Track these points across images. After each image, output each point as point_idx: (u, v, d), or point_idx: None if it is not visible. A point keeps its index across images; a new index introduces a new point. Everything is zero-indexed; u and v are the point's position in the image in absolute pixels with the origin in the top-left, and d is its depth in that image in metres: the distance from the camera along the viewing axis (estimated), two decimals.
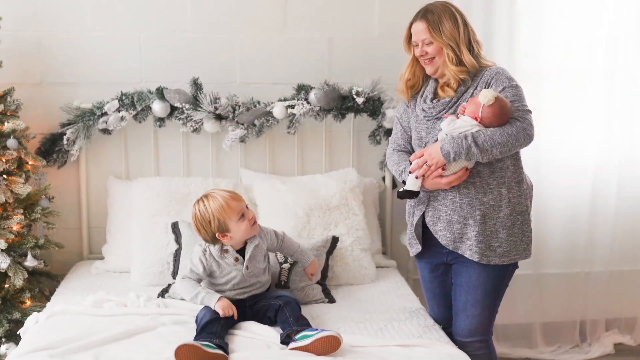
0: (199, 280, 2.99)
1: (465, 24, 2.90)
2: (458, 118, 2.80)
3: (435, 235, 2.96)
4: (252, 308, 3.00)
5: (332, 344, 2.63)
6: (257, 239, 3.04)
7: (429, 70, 2.93)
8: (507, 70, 2.89)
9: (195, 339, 2.70)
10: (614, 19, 4.01)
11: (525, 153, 2.95)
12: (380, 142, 3.92)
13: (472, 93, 2.86)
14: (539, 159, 4.00)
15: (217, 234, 2.94)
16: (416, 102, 3.04)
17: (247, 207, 3.01)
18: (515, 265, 2.99)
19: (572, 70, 4.06)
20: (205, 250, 3.00)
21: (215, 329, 2.75)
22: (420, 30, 2.89)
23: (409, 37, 2.97)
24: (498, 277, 2.94)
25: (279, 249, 3.18)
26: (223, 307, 2.83)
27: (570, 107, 4.09)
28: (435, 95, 2.98)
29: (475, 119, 2.74)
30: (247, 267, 2.98)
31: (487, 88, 2.82)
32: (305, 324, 2.80)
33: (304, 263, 3.20)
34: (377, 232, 3.91)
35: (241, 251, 3.01)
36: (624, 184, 4.20)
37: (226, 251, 2.99)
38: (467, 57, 2.86)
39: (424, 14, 2.89)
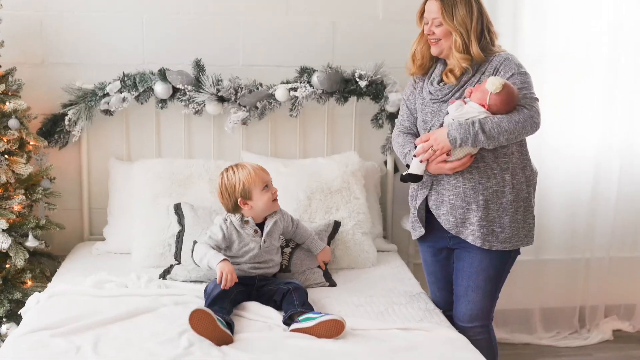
0: (217, 248, 3.02)
1: (481, 13, 2.86)
2: (465, 103, 2.79)
3: (438, 219, 2.96)
4: (259, 290, 3.01)
5: (335, 327, 2.64)
6: (278, 215, 3.12)
7: (433, 50, 2.92)
8: (515, 57, 2.88)
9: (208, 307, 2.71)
10: (616, 7, 4.00)
11: (528, 139, 2.94)
12: (382, 126, 3.91)
13: (480, 78, 2.85)
14: (541, 146, 3.99)
15: (239, 200, 3.03)
16: (423, 84, 3.03)
17: (271, 182, 3.10)
18: (517, 252, 2.99)
19: (575, 58, 4.06)
20: (226, 220, 3.07)
21: (225, 304, 2.78)
22: (433, 9, 2.85)
23: (422, 12, 2.94)
24: (500, 262, 2.94)
25: (293, 234, 3.24)
26: (222, 268, 2.84)
27: (572, 94, 4.08)
28: (442, 79, 2.96)
29: (483, 105, 2.73)
30: (264, 241, 3.04)
31: (495, 74, 2.81)
32: (309, 309, 2.82)
33: (315, 250, 3.27)
34: (379, 216, 3.91)
35: (260, 226, 3.09)
36: (625, 170, 4.20)
37: (247, 222, 3.06)
38: (474, 48, 2.83)
39: None
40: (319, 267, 3.33)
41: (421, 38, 2.98)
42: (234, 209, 3.08)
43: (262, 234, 3.06)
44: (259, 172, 3.07)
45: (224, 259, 2.90)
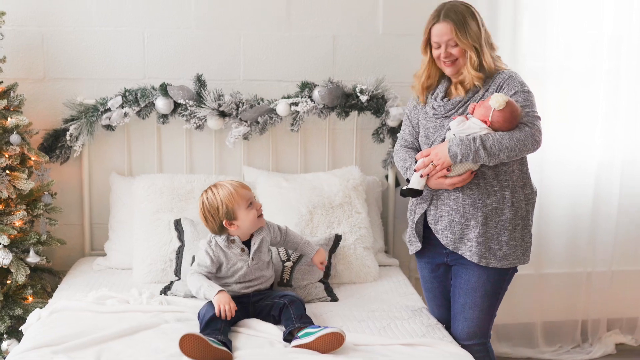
0: (209, 275, 2.98)
1: (483, 24, 2.87)
2: (467, 119, 2.79)
3: (436, 235, 2.95)
4: (255, 305, 2.99)
5: (335, 340, 2.63)
6: (264, 231, 3.05)
7: (449, 71, 2.89)
8: (519, 75, 2.88)
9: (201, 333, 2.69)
10: (617, 18, 4.01)
11: (527, 156, 2.94)
12: (383, 140, 3.91)
13: (483, 95, 2.85)
14: (542, 158, 3.99)
15: (224, 222, 2.95)
16: (426, 99, 3.03)
17: (255, 198, 3.02)
18: (514, 269, 2.98)
19: (576, 69, 4.07)
20: (211, 241, 3.00)
21: (219, 325, 2.74)
22: (445, 31, 2.82)
23: (427, 39, 2.89)
24: (497, 280, 2.93)
25: (283, 243, 3.19)
26: (219, 301, 2.79)
27: (573, 105, 4.09)
28: (446, 94, 2.96)
29: (485, 122, 2.73)
30: (252, 259, 2.99)
31: (499, 92, 2.81)
32: (308, 322, 2.80)
33: (310, 253, 3.19)
34: (380, 230, 3.91)
35: (246, 244, 3.02)
36: (627, 183, 4.20)
37: (233, 241, 3.00)
38: (488, 58, 2.83)
39: (446, 14, 2.82)
40: (321, 280, 3.32)
41: (429, 65, 2.94)
42: (220, 230, 3.00)
43: (249, 252, 3.01)
44: (240, 190, 2.97)
45: (220, 291, 2.85)
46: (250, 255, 3.00)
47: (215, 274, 3.00)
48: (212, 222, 2.98)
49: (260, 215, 3.03)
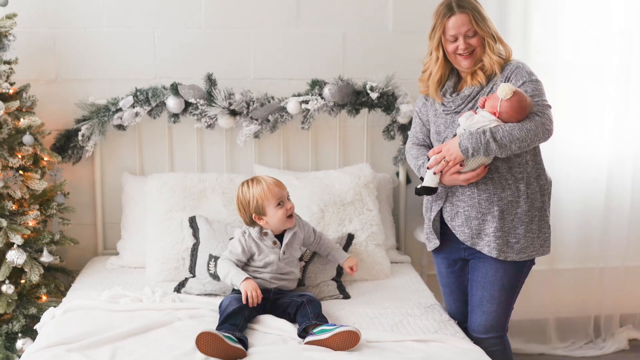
0: (238, 262, 3.05)
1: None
2: (476, 113, 2.79)
3: (453, 231, 2.95)
4: (273, 302, 3.01)
5: (350, 339, 2.64)
6: (296, 227, 3.13)
7: (467, 64, 2.86)
8: (527, 65, 2.87)
9: (218, 328, 2.71)
10: (628, 13, 3.99)
11: (541, 147, 2.93)
12: (394, 138, 3.92)
13: (492, 88, 2.85)
14: (554, 154, 3.98)
15: (254, 215, 3.05)
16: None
17: (288, 198, 3.10)
18: (532, 262, 2.98)
19: (586, 65, 4.05)
20: (245, 232, 3.09)
21: (238, 321, 2.77)
22: (463, 22, 2.81)
23: (441, 34, 2.86)
24: (515, 273, 2.93)
25: (316, 246, 3.26)
26: (247, 288, 2.87)
27: (585, 101, 4.07)
28: (455, 89, 2.96)
29: (494, 114, 2.72)
30: (284, 252, 3.06)
31: (507, 82, 2.81)
32: (324, 321, 2.81)
33: (341, 259, 3.27)
34: (392, 227, 3.91)
35: (279, 238, 3.10)
36: (639, 178, 4.18)
37: (265, 234, 3.08)
38: (505, 45, 2.88)
39: (460, 5, 2.82)
40: (333, 279, 3.33)
41: (442, 63, 2.92)
42: (251, 222, 3.10)
43: (281, 245, 3.08)
44: (273, 188, 3.07)
45: (247, 278, 2.92)
46: (282, 249, 3.06)
47: (248, 264, 3.07)
48: (243, 213, 3.10)
49: (291, 216, 3.10)
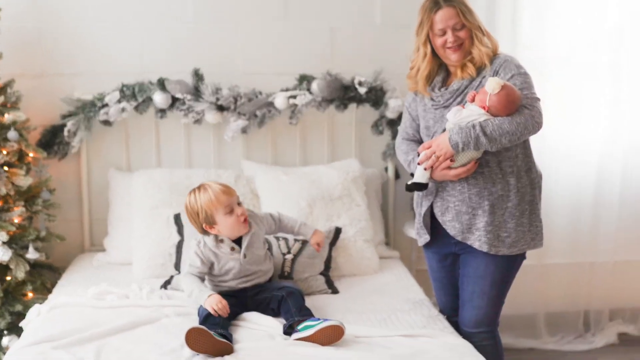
0: (202, 275, 2.97)
1: None
2: (464, 108, 2.77)
3: (444, 226, 2.94)
4: (254, 299, 2.98)
5: (335, 333, 2.63)
6: (254, 227, 3.03)
7: (456, 57, 2.84)
8: (515, 58, 2.86)
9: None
10: (620, 10, 3.99)
11: (531, 141, 2.92)
12: (382, 133, 3.90)
13: (480, 82, 2.84)
14: (544, 149, 3.97)
15: (204, 225, 2.95)
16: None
17: (239, 203, 3.00)
18: (522, 256, 2.97)
19: (577, 61, 4.04)
20: (200, 242, 3.00)
21: (218, 319, 2.74)
22: (450, 15, 2.80)
23: (429, 29, 2.85)
24: (506, 267, 2.92)
25: (279, 229, 3.19)
26: (211, 304, 2.79)
27: (575, 97, 4.07)
28: (443, 84, 2.95)
29: (483, 108, 2.71)
30: (244, 256, 2.98)
31: (495, 76, 2.80)
32: (308, 314, 2.79)
33: (307, 235, 3.23)
34: (380, 222, 3.90)
35: (238, 241, 3.01)
36: (629, 173, 4.18)
37: (221, 241, 2.98)
38: (491, 37, 2.86)
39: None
40: (321, 273, 3.32)
41: (430, 58, 2.90)
42: (203, 231, 3.00)
43: (240, 250, 2.99)
44: (220, 196, 2.94)
45: (210, 295, 2.82)
46: (242, 253, 2.98)
47: (210, 273, 3.00)
48: (194, 223, 3.00)
49: (245, 221, 2.99)
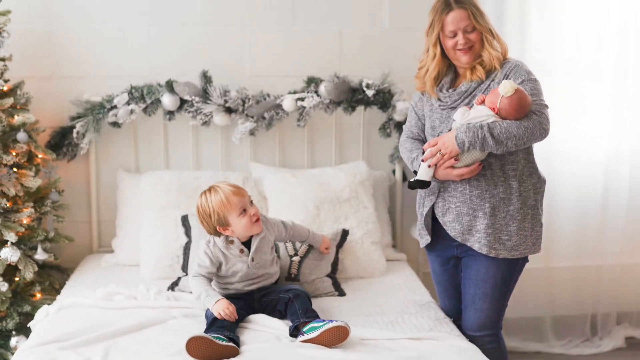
0: (210, 275, 2.97)
1: None
2: (470, 109, 2.78)
3: (445, 227, 2.94)
4: (260, 301, 2.99)
5: (340, 334, 2.63)
6: (264, 231, 3.03)
7: (466, 59, 2.85)
8: (525, 64, 2.87)
9: (206, 332, 2.69)
10: (624, 11, 3.99)
11: (536, 145, 2.92)
12: (390, 135, 3.91)
13: (489, 85, 2.84)
14: (550, 151, 3.98)
15: (217, 227, 2.95)
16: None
17: (251, 204, 2.99)
18: (525, 260, 2.97)
19: (583, 63, 4.05)
20: (210, 242, 3.00)
21: (225, 322, 2.75)
22: (462, 17, 2.81)
23: (439, 30, 2.86)
24: (507, 270, 2.92)
25: (290, 237, 3.19)
26: (218, 310, 2.78)
27: (582, 99, 4.07)
28: (451, 85, 2.95)
29: (494, 109, 2.71)
30: (252, 259, 2.98)
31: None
32: (313, 316, 2.80)
33: (317, 244, 3.27)
34: (388, 225, 3.90)
35: (247, 243, 3.01)
36: (636, 175, 4.18)
37: (231, 242, 2.98)
38: (501, 40, 2.87)
39: (457, 1, 2.81)
40: (328, 275, 3.33)
41: (439, 60, 2.91)
42: (216, 233, 2.98)
43: (249, 253, 2.99)
44: (232, 198, 2.92)
45: (217, 301, 2.82)
46: (250, 256, 2.99)
47: (217, 274, 3.00)
48: (207, 225, 2.98)
49: (257, 221, 2.98)
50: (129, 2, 3.77)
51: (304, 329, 2.69)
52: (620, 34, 4.01)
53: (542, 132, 2.74)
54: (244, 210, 2.94)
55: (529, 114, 2.73)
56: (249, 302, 2.96)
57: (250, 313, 2.93)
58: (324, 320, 2.69)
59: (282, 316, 2.91)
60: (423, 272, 3.99)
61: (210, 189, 2.98)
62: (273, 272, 3.09)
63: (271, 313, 2.93)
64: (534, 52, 3.93)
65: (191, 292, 3.15)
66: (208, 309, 2.85)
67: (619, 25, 4.00)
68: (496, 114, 2.72)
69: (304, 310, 2.81)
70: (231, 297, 2.90)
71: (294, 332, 2.73)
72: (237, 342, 2.65)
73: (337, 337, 2.62)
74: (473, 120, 2.73)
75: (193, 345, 2.54)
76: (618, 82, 4.05)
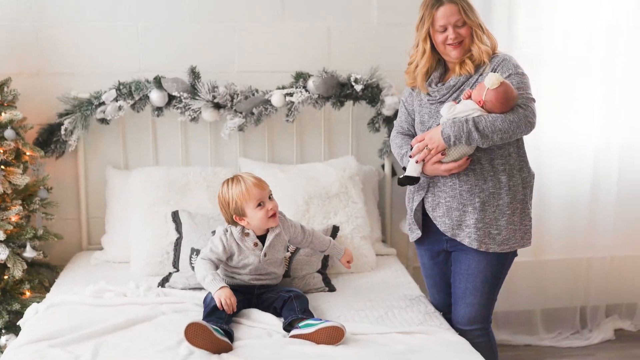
0: (218, 262, 2.98)
1: None
2: (457, 104, 2.78)
3: (434, 222, 2.95)
4: (260, 297, 3.00)
5: (335, 334, 2.63)
6: (279, 228, 3.04)
7: (456, 54, 2.86)
8: (513, 58, 2.88)
9: (204, 319, 2.70)
10: (614, 7, 4.00)
11: (526, 139, 2.94)
12: (379, 130, 3.91)
13: (477, 79, 2.85)
14: (540, 145, 3.99)
15: (234, 216, 2.98)
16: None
17: (270, 198, 3.01)
18: (514, 254, 2.98)
19: (573, 57, 4.05)
20: (227, 230, 3.02)
21: (223, 314, 2.76)
22: (452, 12, 2.82)
23: (430, 25, 2.86)
24: (497, 265, 2.93)
25: (308, 244, 3.18)
26: (220, 297, 2.80)
27: (571, 93, 4.08)
28: (440, 80, 2.96)
29: (479, 102, 2.72)
30: (265, 255, 3.00)
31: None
32: (310, 316, 2.80)
33: (338, 255, 3.22)
34: (377, 220, 3.90)
35: (262, 238, 3.02)
36: (625, 169, 4.20)
37: (247, 234, 3.00)
38: (490, 35, 2.88)
39: None
40: (319, 271, 3.32)
41: (430, 54, 2.92)
42: (232, 222, 3.02)
43: (262, 247, 3.01)
44: (252, 189, 2.95)
45: (221, 287, 2.83)
46: (263, 251, 3.00)
47: (227, 262, 3.01)
48: (225, 213, 3.02)
49: (273, 216, 2.99)
50: None
51: (300, 324, 2.70)
52: (610, 30, 4.02)
53: (527, 125, 2.74)
54: (262, 202, 2.96)
55: (515, 107, 2.74)
56: (248, 296, 2.97)
57: (246, 307, 2.94)
58: (320, 320, 2.71)
59: (276, 314, 2.90)
60: (413, 266, 4.00)
61: (233, 178, 3.02)
62: (280, 273, 3.11)
63: (266, 309, 2.94)
64: (521, 47, 3.94)
65: (182, 289, 3.17)
66: (208, 295, 2.87)
67: (609, 20, 4.00)
68: (482, 106, 2.73)
69: (302, 309, 2.82)
70: (232, 288, 2.90)
71: (287, 327, 2.74)
72: (232, 338, 2.66)
73: (331, 337, 2.63)
74: (459, 115, 2.74)
75: (192, 330, 2.55)
76: (607, 77, 4.06)
